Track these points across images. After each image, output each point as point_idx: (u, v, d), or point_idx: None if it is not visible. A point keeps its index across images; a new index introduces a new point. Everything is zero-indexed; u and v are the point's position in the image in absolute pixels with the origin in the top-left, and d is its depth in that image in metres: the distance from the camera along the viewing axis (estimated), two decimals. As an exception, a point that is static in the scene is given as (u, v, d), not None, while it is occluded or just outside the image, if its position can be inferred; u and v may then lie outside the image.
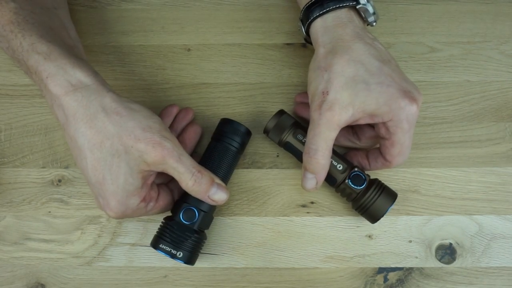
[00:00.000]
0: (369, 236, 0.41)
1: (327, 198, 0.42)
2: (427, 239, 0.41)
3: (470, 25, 0.46)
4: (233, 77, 0.45)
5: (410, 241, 0.41)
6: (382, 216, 0.37)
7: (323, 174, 0.36)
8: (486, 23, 0.46)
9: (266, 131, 0.41)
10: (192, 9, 0.47)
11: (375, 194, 0.37)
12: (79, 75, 0.33)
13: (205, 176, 0.35)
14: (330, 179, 0.38)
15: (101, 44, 0.46)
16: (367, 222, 0.41)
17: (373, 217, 0.38)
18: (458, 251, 0.41)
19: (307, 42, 0.41)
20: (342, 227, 0.42)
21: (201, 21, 0.47)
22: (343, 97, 0.33)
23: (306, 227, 0.42)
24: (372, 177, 0.39)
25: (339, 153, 0.40)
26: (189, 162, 0.34)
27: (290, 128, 0.39)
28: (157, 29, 0.47)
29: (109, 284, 0.41)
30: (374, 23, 0.38)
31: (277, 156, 0.43)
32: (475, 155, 0.43)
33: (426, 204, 0.42)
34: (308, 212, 0.42)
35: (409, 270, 0.41)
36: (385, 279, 0.41)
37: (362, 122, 0.35)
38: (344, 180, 0.38)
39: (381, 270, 0.41)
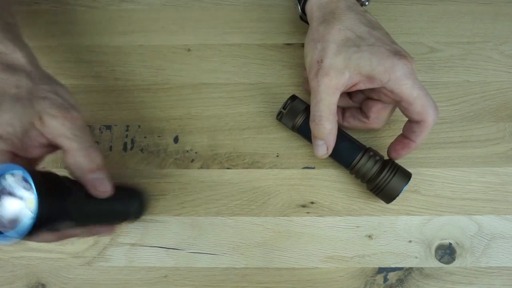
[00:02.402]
0: (369, 236, 0.41)
1: (327, 198, 0.42)
2: (427, 239, 0.41)
3: (469, 25, 0.46)
4: (233, 77, 0.45)
5: (410, 241, 0.41)
6: (397, 195, 0.38)
7: (331, 139, 0.37)
8: (485, 23, 0.46)
9: (279, 116, 0.41)
10: (192, 9, 0.47)
11: (389, 174, 0.37)
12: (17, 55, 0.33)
13: (98, 153, 0.34)
14: (345, 161, 0.39)
15: (101, 44, 0.47)
16: (367, 222, 0.42)
17: (389, 197, 0.38)
18: (458, 251, 0.41)
19: (302, 20, 0.42)
20: (342, 227, 0.42)
21: (201, 21, 0.47)
22: (337, 62, 0.35)
23: (306, 227, 0.42)
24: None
25: (353, 137, 0.40)
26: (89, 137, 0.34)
27: (303, 113, 0.40)
28: (157, 29, 0.47)
29: (109, 284, 0.41)
30: (367, 3, 0.40)
31: (277, 156, 0.43)
32: (475, 155, 0.43)
33: (426, 204, 0.42)
34: (308, 212, 0.42)
35: (409, 270, 0.41)
36: (385, 279, 0.41)
37: (363, 86, 0.36)
38: (359, 161, 0.38)
39: (381, 270, 0.41)
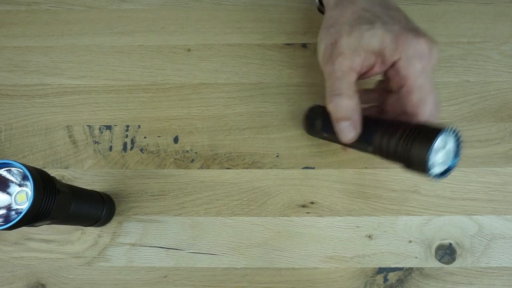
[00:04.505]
0: (369, 236, 0.41)
1: (327, 198, 0.42)
2: (427, 239, 0.41)
3: (470, 25, 0.46)
4: (233, 77, 0.45)
5: (410, 241, 0.41)
6: (427, 161, 0.28)
7: (357, 117, 0.33)
8: (486, 23, 0.46)
9: (307, 128, 0.41)
10: (192, 9, 0.47)
11: (409, 136, 0.29)
12: None
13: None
14: (364, 140, 0.33)
15: (101, 44, 0.47)
16: (367, 222, 0.42)
17: (418, 163, 0.29)
18: (458, 251, 0.41)
19: (320, 11, 0.41)
20: (342, 227, 0.42)
21: (201, 21, 0.47)
22: (351, 41, 0.32)
23: (306, 227, 0.42)
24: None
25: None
26: None
27: (320, 116, 0.38)
28: (157, 29, 0.47)
29: (109, 284, 0.41)
30: None
31: (277, 156, 0.43)
32: (475, 155, 0.43)
33: (426, 204, 0.42)
34: (308, 212, 0.42)
35: (409, 270, 0.41)
36: (385, 279, 0.41)
37: (378, 69, 0.34)
38: (380, 137, 0.32)
39: (381, 270, 0.41)
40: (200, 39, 0.46)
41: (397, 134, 0.30)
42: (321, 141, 0.43)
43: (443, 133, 0.28)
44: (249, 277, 0.41)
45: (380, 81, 0.37)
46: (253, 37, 0.46)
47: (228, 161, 0.43)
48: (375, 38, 0.32)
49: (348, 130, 0.33)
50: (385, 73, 0.35)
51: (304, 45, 0.46)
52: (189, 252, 0.41)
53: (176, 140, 0.44)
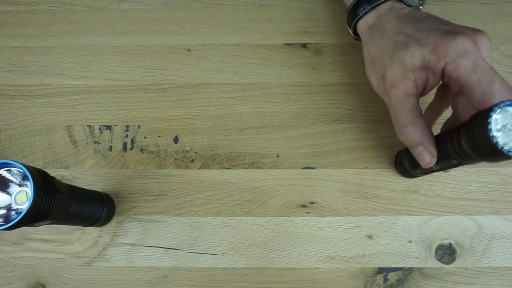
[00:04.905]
0: (369, 236, 0.41)
1: (327, 198, 0.42)
2: (427, 239, 0.41)
3: (470, 25, 0.46)
4: (233, 77, 0.45)
5: (410, 241, 0.41)
6: (494, 138, 0.25)
7: (427, 140, 0.33)
8: (485, 23, 0.46)
9: (405, 174, 0.42)
10: (192, 9, 0.47)
11: (470, 129, 0.27)
12: None
13: None
14: (445, 157, 0.32)
15: (101, 44, 0.47)
16: (367, 222, 0.41)
17: (488, 152, 0.26)
18: (458, 251, 0.41)
19: (358, 40, 0.41)
20: (342, 227, 0.42)
21: (201, 21, 0.47)
22: (396, 71, 0.34)
23: (306, 227, 0.42)
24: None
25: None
26: None
27: (405, 156, 0.39)
28: (157, 29, 0.47)
29: (109, 284, 0.41)
30: (421, 7, 0.38)
31: (277, 156, 0.43)
32: (475, 155, 0.43)
33: (426, 204, 0.42)
34: (308, 212, 0.42)
35: (409, 270, 0.41)
36: (385, 279, 0.41)
37: (434, 82, 0.34)
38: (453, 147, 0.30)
39: (381, 270, 0.41)
40: (200, 39, 0.46)
41: (460, 133, 0.29)
42: (321, 141, 0.43)
43: (498, 108, 0.25)
44: (249, 277, 0.41)
45: (438, 88, 0.38)
46: (253, 37, 0.46)
47: (228, 161, 0.43)
48: (415, 57, 0.32)
49: (424, 153, 0.33)
50: (444, 82, 0.34)
51: (304, 45, 0.46)
52: (189, 252, 0.42)
53: (176, 140, 0.44)
